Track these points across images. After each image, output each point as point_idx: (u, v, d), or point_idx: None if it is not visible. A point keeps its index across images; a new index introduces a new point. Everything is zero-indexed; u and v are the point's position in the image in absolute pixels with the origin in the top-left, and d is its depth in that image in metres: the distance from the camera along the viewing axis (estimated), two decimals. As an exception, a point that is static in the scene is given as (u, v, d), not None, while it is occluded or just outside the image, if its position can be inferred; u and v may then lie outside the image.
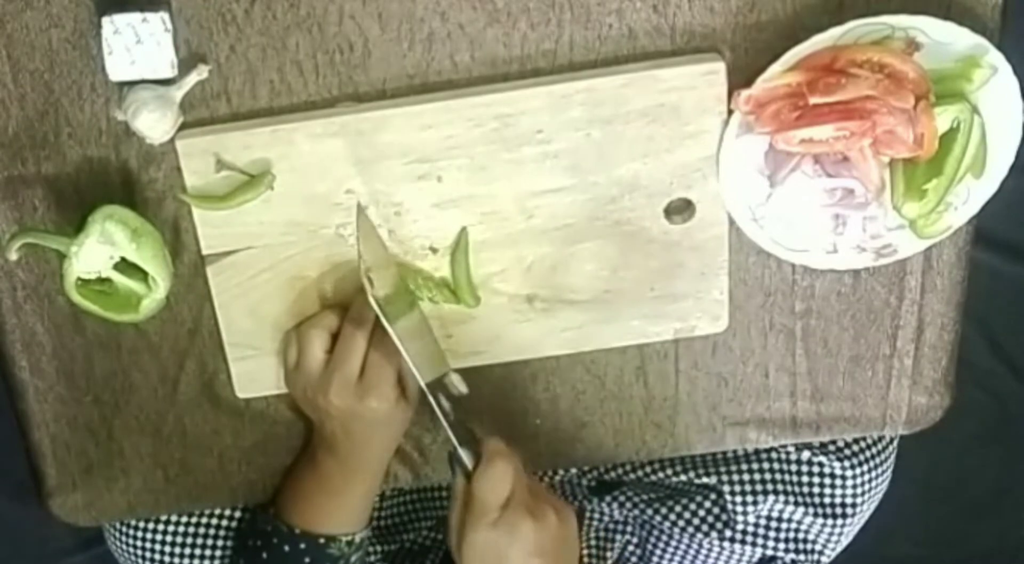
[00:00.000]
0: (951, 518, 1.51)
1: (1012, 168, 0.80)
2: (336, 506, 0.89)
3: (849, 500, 0.97)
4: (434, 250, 0.84)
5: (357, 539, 0.90)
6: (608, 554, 1.07)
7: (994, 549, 1.53)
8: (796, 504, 0.98)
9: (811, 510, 0.97)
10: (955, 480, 1.48)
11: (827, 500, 0.97)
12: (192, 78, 0.78)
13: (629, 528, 1.07)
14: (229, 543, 0.98)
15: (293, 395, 0.88)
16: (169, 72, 0.77)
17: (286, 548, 0.88)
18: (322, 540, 0.88)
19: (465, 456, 0.79)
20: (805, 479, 0.97)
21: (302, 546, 0.88)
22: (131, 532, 0.98)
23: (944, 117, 0.77)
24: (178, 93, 0.78)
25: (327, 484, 0.88)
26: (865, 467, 0.96)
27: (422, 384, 0.81)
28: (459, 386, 0.82)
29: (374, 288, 0.79)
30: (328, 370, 0.82)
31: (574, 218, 0.83)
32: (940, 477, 1.46)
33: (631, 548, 1.08)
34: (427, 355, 0.83)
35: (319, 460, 0.89)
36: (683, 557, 1.05)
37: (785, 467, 0.97)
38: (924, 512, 1.48)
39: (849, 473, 0.96)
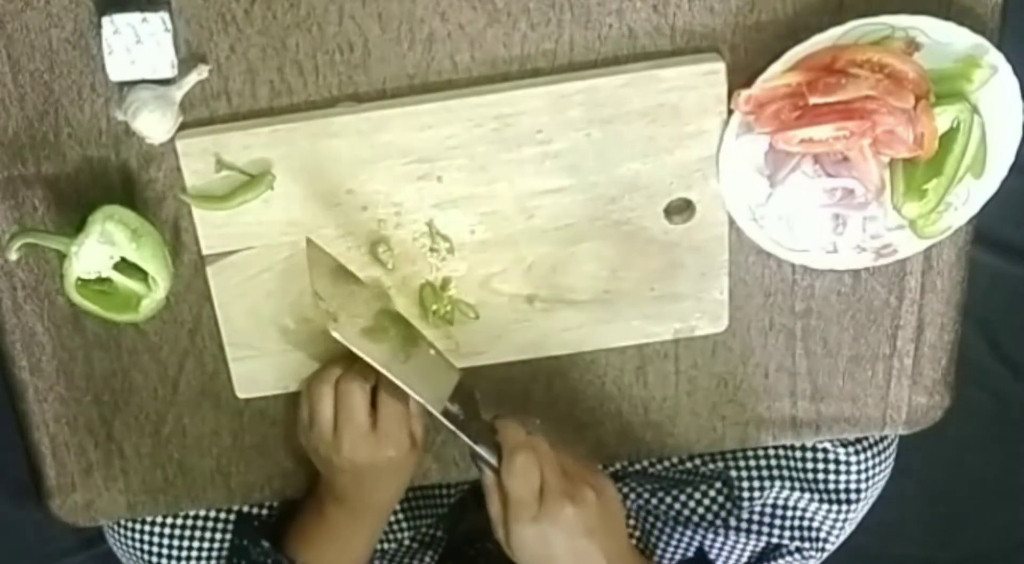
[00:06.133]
0: (951, 518, 1.51)
1: (1012, 168, 0.80)
2: (340, 551, 0.90)
3: (853, 485, 0.97)
4: (434, 250, 0.84)
5: None
6: None
7: (994, 549, 1.53)
8: (802, 490, 0.98)
9: (816, 496, 0.98)
10: (955, 480, 1.48)
11: (832, 485, 0.97)
12: (192, 78, 0.78)
13: (631, 521, 1.07)
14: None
15: (307, 452, 0.88)
16: (169, 72, 0.77)
17: None
18: None
19: (486, 453, 0.77)
20: (810, 465, 0.97)
21: None
22: (133, 529, 0.98)
23: (944, 117, 0.77)
24: (178, 93, 0.78)
25: (334, 532, 0.89)
26: (869, 453, 0.97)
27: (433, 411, 0.77)
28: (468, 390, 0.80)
29: (343, 329, 0.75)
30: (338, 429, 0.83)
31: (574, 218, 0.83)
32: (940, 477, 1.46)
33: (634, 539, 1.07)
34: (429, 374, 0.80)
35: (327, 512, 0.89)
36: (687, 548, 1.04)
37: (790, 453, 0.98)
38: (924, 512, 1.48)
39: (853, 458, 0.96)
